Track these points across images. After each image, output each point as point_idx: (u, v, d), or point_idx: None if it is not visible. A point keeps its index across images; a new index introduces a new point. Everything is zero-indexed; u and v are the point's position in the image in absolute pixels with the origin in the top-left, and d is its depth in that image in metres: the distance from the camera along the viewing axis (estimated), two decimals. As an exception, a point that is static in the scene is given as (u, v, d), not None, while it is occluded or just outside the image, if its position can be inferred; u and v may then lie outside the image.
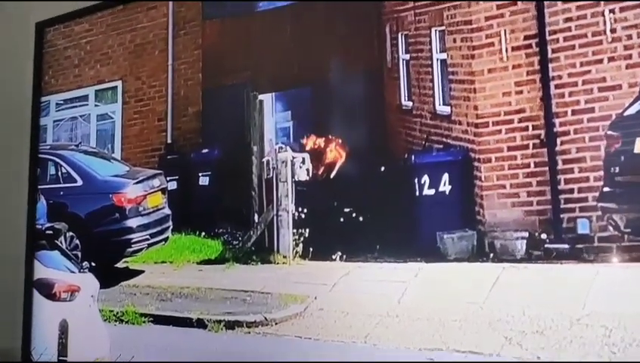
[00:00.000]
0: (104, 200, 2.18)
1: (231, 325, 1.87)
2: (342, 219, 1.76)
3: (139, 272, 2.11)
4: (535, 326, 1.45)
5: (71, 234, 2.24)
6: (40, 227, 2.30)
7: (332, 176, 1.83)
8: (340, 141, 1.77)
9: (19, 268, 2.31)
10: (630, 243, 1.41)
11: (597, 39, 1.48)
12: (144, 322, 2.03)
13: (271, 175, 1.89)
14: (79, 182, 2.26)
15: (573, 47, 1.50)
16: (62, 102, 2.41)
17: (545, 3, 1.52)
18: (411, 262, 1.65)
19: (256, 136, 1.95)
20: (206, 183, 2.08)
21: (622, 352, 1.35)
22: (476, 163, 1.60)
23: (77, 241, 2.23)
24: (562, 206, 1.49)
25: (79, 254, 2.22)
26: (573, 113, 1.50)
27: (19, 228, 2.35)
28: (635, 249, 1.40)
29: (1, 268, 2.41)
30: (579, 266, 1.45)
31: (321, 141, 1.82)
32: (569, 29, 1.51)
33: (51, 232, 2.29)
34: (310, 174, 1.86)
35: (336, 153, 1.79)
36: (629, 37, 1.45)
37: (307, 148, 1.85)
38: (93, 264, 2.19)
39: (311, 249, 1.81)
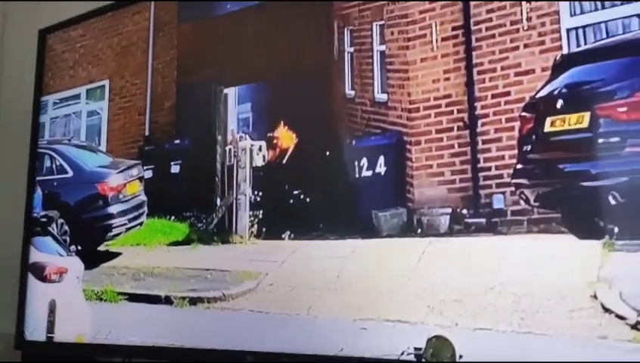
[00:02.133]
0: (91, 189, 2.37)
1: (193, 301, 2.01)
2: (292, 201, 1.89)
3: (118, 254, 2.28)
4: (454, 295, 1.54)
5: (62, 220, 2.43)
6: (36, 215, 2.50)
7: (284, 161, 1.96)
8: (291, 129, 1.91)
9: (16, 254, 2.51)
10: (539, 215, 1.49)
11: (514, 27, 1.58)
12: (120, 300, 2.19)
13: (232, 162, 2.04)
14: (70, 173, 2.45)
15: (493, 36, 1.61)
16: (58, 101, 2.63)
17: (471, -3, 1.64)
18: (350, 238, 1.76)
19: (220, 126, 2.11)
20: (177, 171, 2.24)
21: (530, 318, 1.43)
22: (408, 146, 1.71)
23: (66, 227, 2.42)
24: (481, 182, 1.58)
25: (68, 239, 2.41)
26: (493, 96, 1.60)
27: (18, 217, 2.55)
28: (543, 221, 1.48)
29: (1, 253, 2.62)
30: (495, 238, 1.54)
31: (277, 130, 1.96)
32: (490, 19, 1.62)
33: (45, 219, 2.49)
34: (266, 160, 2.00)
35: (289, 140, 1.93)
36: (543, 24, 1.55)
37: (269, 136, 1.99)
38: (79, 247, 2.37)
39: (264, 229, 1.94)
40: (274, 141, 1.97)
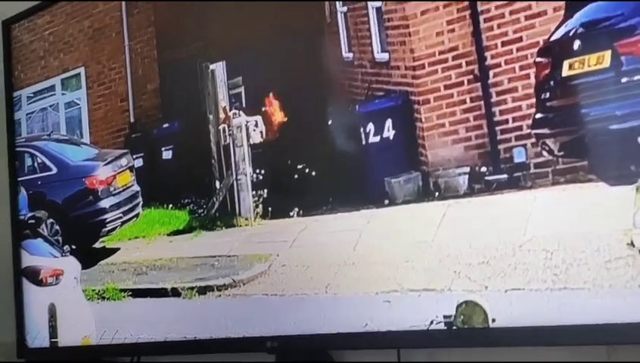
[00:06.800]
0: (78, 185, 2.25)
1: (202, 290, 1.92)
2: (296, 176, 1.79)
3: (115, 250, 2.17)
4: (481, 257, 1.48)
5: (51, 220, 2.31)
6: (23, 217, 2.38)
7: (284, 135, 1.86)
8: (281, 101, 1.80)
9: (7, 260, 2.39)
10: (564, 165, 1.42)
11: (520, -33, 1.48)
12: (123, 297, 2.10)
13: (227, 141, 1.93)
14: (54, 170, 2.32)
15: (498, -22, 1.51)
16: (32, 95, 2.47)
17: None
18: (363, 209, 1.68)
19: (211, 105, 1.99)
20: (170, 156, 2.13)
21: (564, 273, 1.37)
22: (416, 106, 1.61)
23: (57, 227, 2.30)
24: (499, 137, 1.50)
25: (60, 239, 2.29)
26: (503, 44, 1.50)
27: (4, 221, 2.42)
28: (569, 171, 1.41)
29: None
30: (518, 194, 1.47)
31: (271, 103, 1.85)
32: (493, -40, 1.51)
33: (33, 221, 2.37)
34: (264, 136, 1.89)
35: (284, 112, 1.82)
36: (552, -40, 1.45)
37: (264, 110, 1.88)
38: (73, 247, 2.26)
39: (270, 209, 1.85)
40: (270, 115, 1.86)
